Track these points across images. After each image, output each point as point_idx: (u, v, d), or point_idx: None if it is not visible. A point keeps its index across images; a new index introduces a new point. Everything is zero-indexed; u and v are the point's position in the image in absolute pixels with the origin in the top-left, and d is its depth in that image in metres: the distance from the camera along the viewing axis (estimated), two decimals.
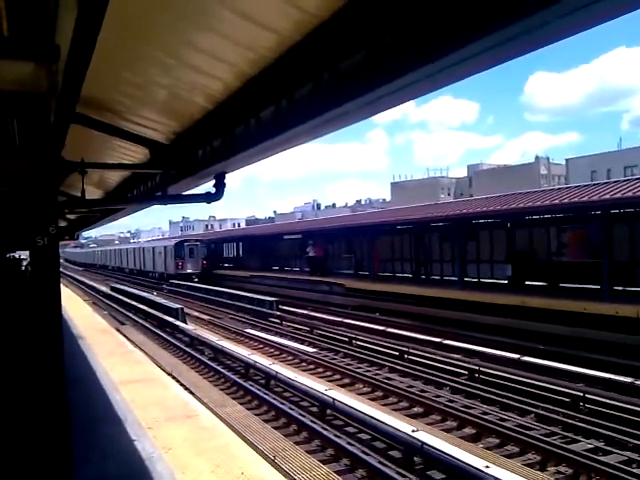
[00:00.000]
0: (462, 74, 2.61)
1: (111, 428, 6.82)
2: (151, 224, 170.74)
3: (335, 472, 7.22)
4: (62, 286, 26.77)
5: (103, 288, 37.68)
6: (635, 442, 8.44)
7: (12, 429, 5.06)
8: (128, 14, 3.07)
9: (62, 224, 16.89)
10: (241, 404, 10.76)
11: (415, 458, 7.57)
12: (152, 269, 46.40)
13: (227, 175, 5.76)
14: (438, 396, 11.22)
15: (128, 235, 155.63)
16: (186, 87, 4.26)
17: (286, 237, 37.63)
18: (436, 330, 17.35)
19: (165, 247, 44.80)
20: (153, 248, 47.87)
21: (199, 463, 5.78)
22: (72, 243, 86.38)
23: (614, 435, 8.71)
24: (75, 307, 24.36)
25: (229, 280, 39.78)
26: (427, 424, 9.47)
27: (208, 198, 5.62)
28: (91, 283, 44.44)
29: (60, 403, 4.80)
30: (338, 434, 8.88)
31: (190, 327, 20.43)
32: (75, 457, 5.09)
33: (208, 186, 5.80)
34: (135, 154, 6.09)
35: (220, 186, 5.61)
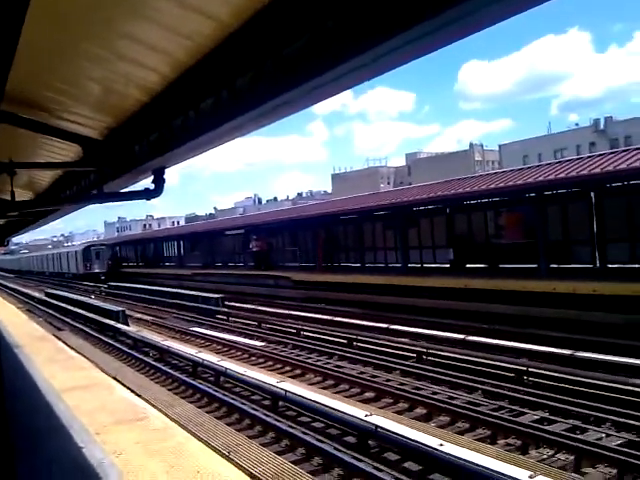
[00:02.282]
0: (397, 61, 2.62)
1: (57, 438, 6.52)
2: (86, 226, 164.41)
3: (291, 462, 7.22)
4: None
5: (37, 294, 36.05)
6: (578, 410, 8.89)
7: None
8: (58, 5, 2.92)
9: None
10: (191, 403, 10.58)
11: (370, 442, 7.68)
12: (67, 270, 54.61)
13: (166, 171, 5.60)
14: (389, 380, 11.43)
15: (62, 239, 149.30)
16: (120, 80, 4.09)
17: (228, 233, 37.21)
18: (383, 316, 17.66)
19: (76, 252, 53.26)
20: (67, 253, 56.92)
21: (152, 465, 5.63)
22: (1, 250, 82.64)
23: (558, 405, 9.15)
24: (9, 315, 23.19)
25: (171, 279, 38.99)
26: (379, 408, 9.64)
27: (147, 195, 5.43)
28: (24, 290, 42.47)
29: None
30: (292, 425, 8.89)
31: (132, 329, 19.89)
32: (19, 472, 4.85)
33: (147, 182, 5.63)
34: (68, 152, 5.80)
35: (159, 182, 5.43)
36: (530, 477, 5.58)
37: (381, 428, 7.34)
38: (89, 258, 49.93)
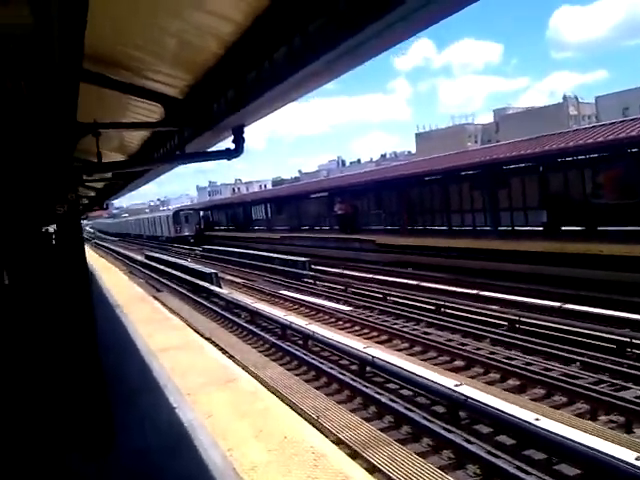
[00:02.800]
0: None
1: (151, 396, 6.84)
2: (180, 191, 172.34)
3: (379, 429, 7.21)
4: (99, 257, 27.43)
5: (138, 257, 38.34)
6: None
7: (51, 403, 5.12)
8: None
9: (90, 194, 17.01)
10: (281, 365, 10.83)
11: (460, 413, 7.51)
12: (161, 234, 58.38)
13: (251, 134, 5.58)
14: (478, 348, 11.09)
15: (158, 203, 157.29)
16: (196, 32, 3.99)
17: (313, 196, 37.40)
18: (472, 282, 17.12)
19: (167, 216, 56.97)
20: (160, 217, 60.74)
21: (241, 428, 5.76)
22: (105, 214, 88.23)
23: None
24: (112, 277, 24.87)
25: (260, 242, 39.97)
26: (469, 377, 9.37)
27: (228, 154, 5.42)
28: (126, 252, 45.30)
29: (97, 374, 4.81)
30: (379, 391, 8.87)
31: (225, 291, 20.65)
32: (116, 427, 5.11)
33: (227, 142, 5.61)
34: (150, 112, 5.86)
35: (239, 141, 5.38)
36: (637, 459, 5.20)
37: (471, 399, 7.11)
38: (179, 222, 53.64)
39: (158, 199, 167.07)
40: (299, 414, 7.39)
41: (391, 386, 9.14)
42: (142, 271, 31.59)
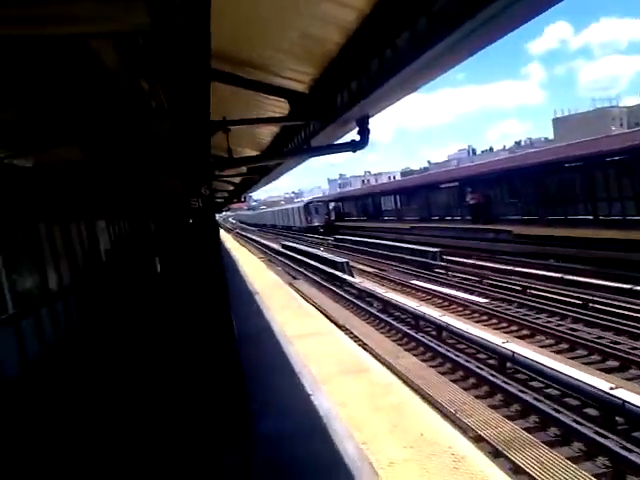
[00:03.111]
0: None
1: (287, 382, 6.96)
2: (312, 184, 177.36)
3: (524, 429, 6.84)
4: (239, 246, 28.88)
5: (274, 245, 40.09)
6: None
7: (191, 388, 5.43)
8: None
9: (229, 187, 18.02)
10: (414, 356, 10.69)
11: (617, 418, 6.88)
12: (293, 224, 63.36)
13: (377, 126, 5.53)
14: (635, 348, 10.08)
15: (292, 196, 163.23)
16: (318, 23, 3.95)
17: (443, 186, 36.42)
18: (623, 275, 15.60)
19: (299, 207, 61.87)
20: (292, 209, 65.91)
21: (375, 421, 5.67)
22: (244, 206, 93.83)
23: None
24: (251, 265, 26.20)
25: (390, 232, 39.83)
26: (625, 379, 8.55)
27: (353, 146, 5.38)
28: (264, 242, 47.60)
29: (234, 359, 5.03)
30: (522, 389, 8.41)
31: (357, 280, 20.87)
32: (252, 412, 5.25)
33: (352, 135, 5.57)
34: (276, 108, 6.00)
35: (364, 132, 5.32)
36: None
37: (629, 404, 6.50)
38: (309, 213, 57.96)
39: (292, 192, 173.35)
40: (436, 408, 7.26)
41: (535, 384, 8.61)
42: (279, 259, 32.97)
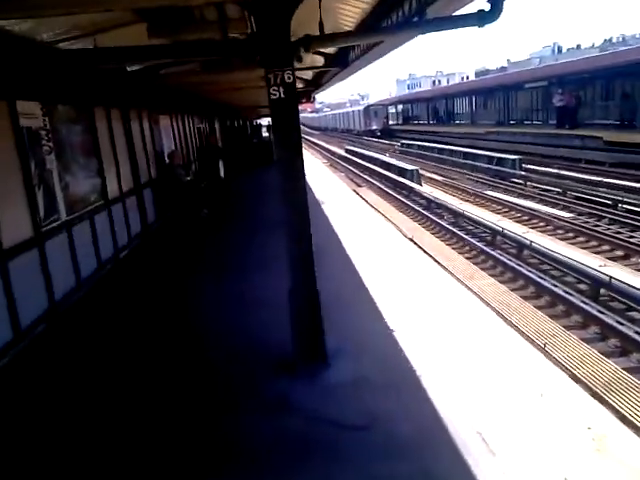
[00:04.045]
0: None
1: (363, 310, 6.01)
2: (378, 85, 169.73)
3: (625, 369, 5.89)
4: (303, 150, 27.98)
5: (338, 150, 38.76)
6: None
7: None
8: None
9: (299, 85, 16.66)
10: (491, 276, 9.71)
11: None
12: (353, 127, 63.80)
13: None
14: None
15: (358, 98, 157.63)
16: None
17: (528, 86, 33.29)
18: None
19: (359, 111, 62.05)
20: (352, 112, 66.02)
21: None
22: (309, 108, 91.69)
23: None
24: (315, 170, 25.28)
25: (461, 138, 37.48)
26: None
27: (480, 19, 3.96)
28: (327, 146, 46.24)
29: (311, 283, 4.20)
30: (621, 321, 7.35)
31: (426, 189, 19.64)
32: (328, 348, 4.43)
33: (480, 3, 4.18)
34: None
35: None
36: None
37: None
38: (369, 116, 57.86)
39: (358, 94, 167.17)
40: (523, 338, 6.38)
41: (635, 315, 7.52)
42: (342, 164, 31.81)
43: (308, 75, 13.71)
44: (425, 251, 11.19)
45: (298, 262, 4.05)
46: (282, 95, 3.79)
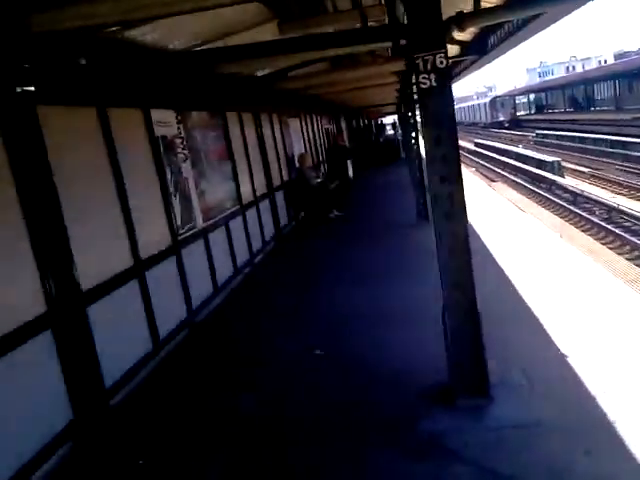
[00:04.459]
0: None
1: (522, 329, 4.80)
2: (507, 76, 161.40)
3: None
4: None
5: (466, 144, 37.04)
6: None
7: None
8: None
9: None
10: None
11: None
12: (479, 120, 62.98)
13: None
14: None
15: (485, 90, 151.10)
16: None
17: None
18: None
19: (485, 103, 61.64)
20: (478, 105, 66.26)
21: None
22: None
23: None
24: None
25: (605, 125, 34.00)
26: None
27: None
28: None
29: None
30: None
31: (570, 181, 17.88)
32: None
33: None
34: None
35: None
36: None
37: None
38: (495, 108, 57.48)
39: (484, 85, 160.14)
40: None
41: None
42: (472, 159, 30.29)
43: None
44: (580, 252, 9.99)
45: (453, 273, 3.43)
46: (433, 83, 3.23)
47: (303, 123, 14.09)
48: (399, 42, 3.56)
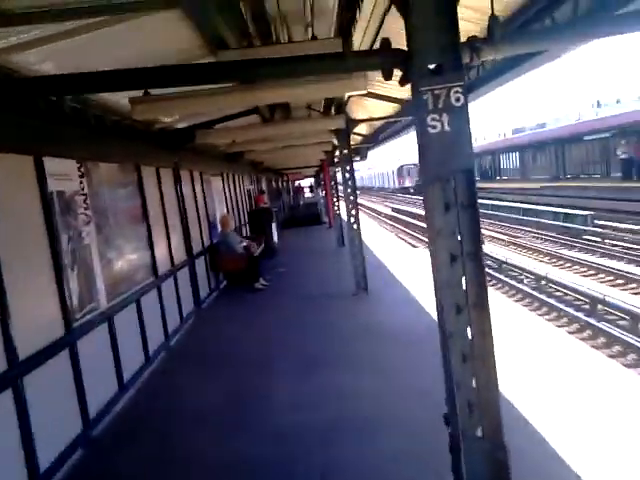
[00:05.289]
0: None
1: None
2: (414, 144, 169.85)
3: None
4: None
5: (381, 209, 37.49)
6: None
7: None
8: None
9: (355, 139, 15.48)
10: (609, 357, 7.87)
11: None
12: (387, 185, 68.81)
13: None
14: None
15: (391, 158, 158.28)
16: None
17: (587, 138, 31.69)
18: None
19: (392, 170, 65.65)
20: (387, 172, 70.03)
21: None
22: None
23: None
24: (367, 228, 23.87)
25: (511, 193, 35.71)
26: None
27: None
28: (368, 204, 45.24)
29: None
30: None
31: (491, 248, 17.94)
32: None
33: None
34: None
35: None
36: None
37: None
38: (402, 175, 61.58)
39: (390, 154, 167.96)
40: None
41: None
42: (389, 223, 30.44)
43: (363, 129, 12.57)
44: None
45: None
46: (446, 127, 2.34)
47: (225, 183, 13.05)
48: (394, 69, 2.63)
